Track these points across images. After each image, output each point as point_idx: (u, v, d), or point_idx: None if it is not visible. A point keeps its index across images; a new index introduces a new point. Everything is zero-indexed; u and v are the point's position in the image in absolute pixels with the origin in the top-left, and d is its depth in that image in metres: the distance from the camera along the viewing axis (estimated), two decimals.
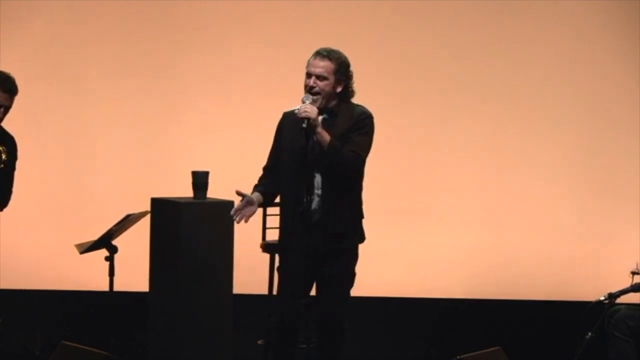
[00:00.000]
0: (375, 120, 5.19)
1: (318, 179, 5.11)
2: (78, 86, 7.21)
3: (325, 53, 5.14)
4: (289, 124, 5.21)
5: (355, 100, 5.24)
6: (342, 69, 5.15)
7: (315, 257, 5.08)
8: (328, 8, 7.19)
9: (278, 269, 5.26)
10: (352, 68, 5.17)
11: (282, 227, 5.23)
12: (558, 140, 7.21)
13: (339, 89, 5.15)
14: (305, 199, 5.04)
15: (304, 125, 4.98)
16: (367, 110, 5.21)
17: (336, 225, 5.11)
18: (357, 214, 5.24)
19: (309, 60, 5.16)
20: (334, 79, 5.13)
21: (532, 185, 7.21)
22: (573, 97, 7.21)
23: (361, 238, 5.25)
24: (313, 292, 5.22)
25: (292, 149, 5.15)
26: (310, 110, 5.00)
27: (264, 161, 5.34)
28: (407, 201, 7.17)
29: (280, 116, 5.32)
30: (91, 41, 7.21)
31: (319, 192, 5.10)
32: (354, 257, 5.22)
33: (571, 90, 7.21)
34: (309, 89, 5.11)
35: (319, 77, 5.11)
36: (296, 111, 5.04)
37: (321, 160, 5.06)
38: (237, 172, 6.73)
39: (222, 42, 7.21)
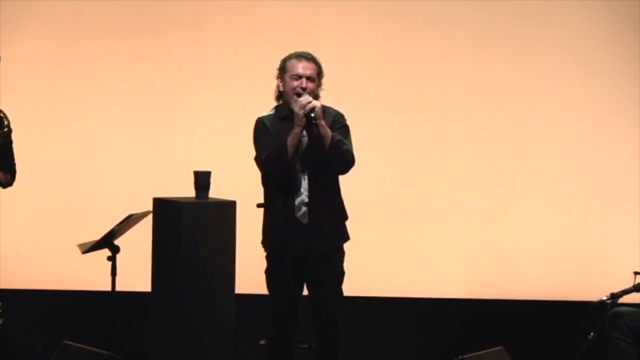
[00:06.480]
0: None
1: (306, 180, 5.13)
2: (79, 86, 7.20)
3: (310, 56, 5.24)
4: (271, 125, 5.22)
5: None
6: (321, 72, 5.26)
7: (304, 258, 5.12)
8: (328, 9, 7.18)
9: (266, 272, 5.26)
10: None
11: (269, 231, 5.24)
12: (559, 140, 7.20)
13: (318, 91, 5.22)
14: (294, 201, 5.09)
15: (312, 115, 5.01)
16: (338, 110, 5.26)
17: (323, 226, 5.11)
18: (342, 215, 5.26)
19: (290, 63, 5.21)
20: (318, 81, 5.23)
21: (533, 185, 7.20)
22: (572, 96, 7.20)
23: (345, 238, 5.26)
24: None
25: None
26: (314, 101, 5.06)
27: None
28: (407, 201, 7.15)
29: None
30: (91, 41, 7.19)
31: (307, 193, 5.12)
32: (342, 256, 5.24)
33: (571, 90, 7.20)
34: (302, 90, 5.13)
35: (310, 79, 5.18)
36: (300, 101, 5.05)
37: (314, 158, 5.07)
38: (238, 172, 6.74)
39: (223, 42, 7.20)
